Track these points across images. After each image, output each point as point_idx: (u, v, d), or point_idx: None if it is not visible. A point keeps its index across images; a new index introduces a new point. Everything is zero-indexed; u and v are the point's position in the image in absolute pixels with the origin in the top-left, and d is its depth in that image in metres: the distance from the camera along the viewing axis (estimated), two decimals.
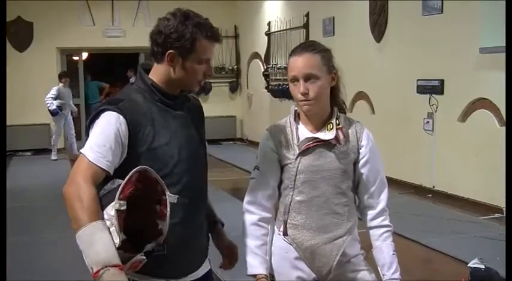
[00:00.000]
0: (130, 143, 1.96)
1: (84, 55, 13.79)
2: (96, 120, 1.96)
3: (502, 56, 5.30)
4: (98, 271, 1.68)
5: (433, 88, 7.31)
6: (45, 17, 12.16)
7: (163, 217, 1.85)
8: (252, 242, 2.21)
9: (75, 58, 13.81)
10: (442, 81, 7.20)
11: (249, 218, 2.22)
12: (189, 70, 2.03)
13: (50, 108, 11.11)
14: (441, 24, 7.12)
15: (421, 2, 7.39)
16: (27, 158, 11.88)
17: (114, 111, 1.95)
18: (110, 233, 1.75)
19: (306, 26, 10.55)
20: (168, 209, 1.85)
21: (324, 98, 2.18)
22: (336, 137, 2.16)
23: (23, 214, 6.81)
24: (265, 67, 12.19)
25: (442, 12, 7.11)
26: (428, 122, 7.45)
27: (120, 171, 1.91)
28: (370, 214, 2.24)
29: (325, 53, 2.19)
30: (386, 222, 2.24)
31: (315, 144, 2.17)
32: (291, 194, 2.20)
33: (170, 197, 1.86)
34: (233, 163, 10.35)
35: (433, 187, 7.43)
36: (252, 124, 13.17)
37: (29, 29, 12.28)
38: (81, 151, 1.92)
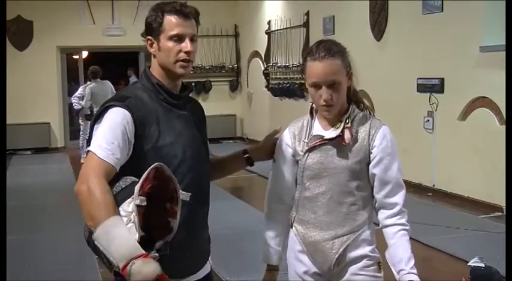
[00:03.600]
0: (136, 141, 1.96)
1: (84, 54, 13.78)
2: (104, 116, 1.96)
3: (502, 55, 5.30)
4: (124, 267, 1.68)
5: (433, 87, 7.30)
6: (45, 15, 12.14)
7: (175, 214, 1.84)
8: (265, 233, 2.30)
9: (75, 57, 13.80)
10: (442, 80, 7.20)
11: (265, 209, 2.34)
12: (164, 49, 2.03)
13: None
14: (441, 23, 7.11)
15: (421, 1, 7.38)
16: (27, 157, 11.86)
17: (121, 107, 1.95)
18: (126, 226, 1.74)
19: (306, 24, 10.54)
20: (179, 206, 1.84)
21: (343, 100, 2.17)
22: (341, 136, 2.14)
23: (23, 213, 6.81)
24: (266, 66, 12.19)
25: (442, 10, 7.11)
26: (428, 120, 7.45)
27: (126, 168, 1.92)
28: (385, 213, 2.15)
29: (344, 55, 2.14)
30: (402, 221, 2.14)
31: (322, 142, 2.17)
32: (299, 189, 2.23)
33: (182, 195, 1.86)
34: None
35: (433, 185, 7.43)
36: (252, 123, 13.16)
37: (29, 28, 12.26)
38: (90, 148, 1.91)
